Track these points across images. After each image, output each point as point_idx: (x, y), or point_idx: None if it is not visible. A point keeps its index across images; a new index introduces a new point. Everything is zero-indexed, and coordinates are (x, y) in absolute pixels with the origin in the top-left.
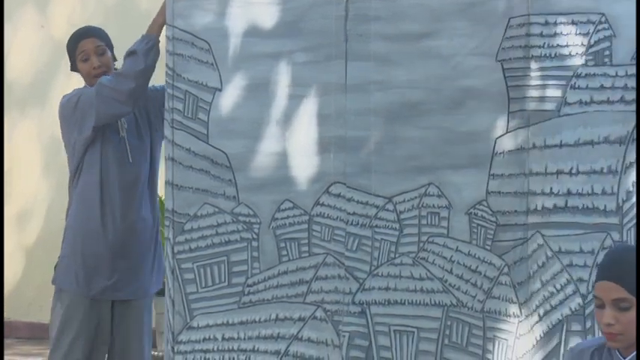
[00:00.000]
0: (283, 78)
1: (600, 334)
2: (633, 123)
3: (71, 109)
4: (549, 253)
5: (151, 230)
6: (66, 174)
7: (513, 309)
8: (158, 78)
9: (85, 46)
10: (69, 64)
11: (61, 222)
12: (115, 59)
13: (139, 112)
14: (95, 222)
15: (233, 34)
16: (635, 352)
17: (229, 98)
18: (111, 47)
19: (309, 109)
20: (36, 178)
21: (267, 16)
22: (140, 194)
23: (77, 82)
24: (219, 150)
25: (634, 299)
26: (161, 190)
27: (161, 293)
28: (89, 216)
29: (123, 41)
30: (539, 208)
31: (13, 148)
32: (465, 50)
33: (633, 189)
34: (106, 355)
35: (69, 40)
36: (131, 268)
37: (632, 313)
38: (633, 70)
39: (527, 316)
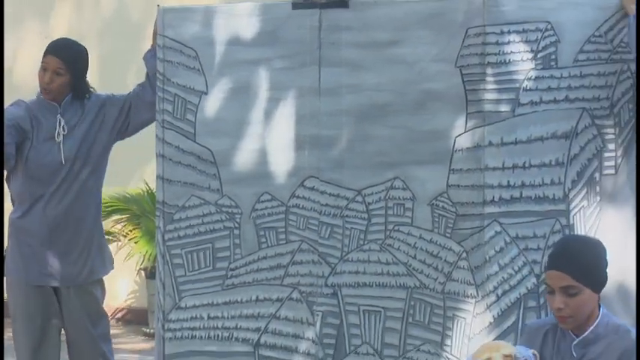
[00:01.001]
0: (263, 82)
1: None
2: (576, 119)
3: None
4: (507, 239)
5: (81, 224)
6: None
7: (471, 290)
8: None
9: (47, 62)
10: None
11: None
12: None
13: (94, 119)
14: (27, 216)
15: (217, 42)
16: (587, 333)
17: (214, 101)
18: (77, 70)
19: (286, 110)
20: None
21: (248, 27)
22: (73, 194)
23: None
24: (205, 147)
25: (581, 285)
26: (152, 184)
27: (152, 276)
28: (22, 211)
29: (117, 47)
30: (496, 199)
31: None
32: (428, 57)
33: (578, 178)
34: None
35: (48, 45)
36: (57, 258)
37: (581, 297)
38: (575, 71)
39: (483, 297)
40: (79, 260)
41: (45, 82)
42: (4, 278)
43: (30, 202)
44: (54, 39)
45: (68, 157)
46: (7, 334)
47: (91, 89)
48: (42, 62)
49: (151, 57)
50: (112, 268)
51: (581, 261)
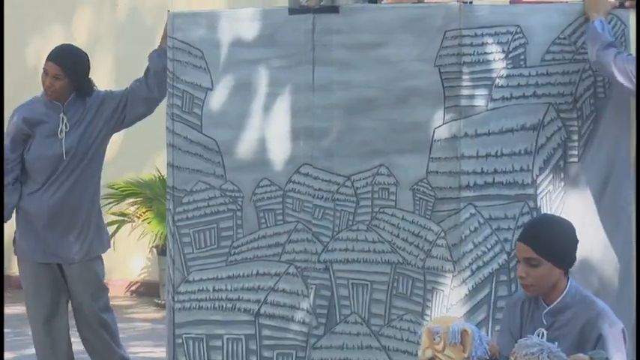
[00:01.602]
0: (262, 79)
1: None
2: (543, 113)
3: None
4: (481, 220)
5: (79, 209)
6: None
7: (448, 266)
8: None
9: (48, 67)
10: (92, 69)
11: None
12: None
13: (95, 115)
14: (28, 201)
15: (222, 44)
16: (556, 303)
17: (218, 96)
18: (76, 73)
19: (283, 104)
20: None
21: (249, 30)
22: (70, 183)
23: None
24: (211, 138)
25: (541, 258)
26: (164, 171)
27: (163, 253)
28: (25, 198)
29: (131, 48)
30: (471, 184)
31: None
32: (410, 57)
33: (544, 166)
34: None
35: (52, 50)
36: (58, 239)
37: (541, 269)
38: (542, 70)
39: (459, 272)
40: (77, 240)
41: (46, 85)
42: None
43: (31, 189)
44: (75, 41)
45: (69, 151)
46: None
47: (95, 87)
48: (43, 68)
49: (157, 56)
50: (109, 247)
51: (543, 237)
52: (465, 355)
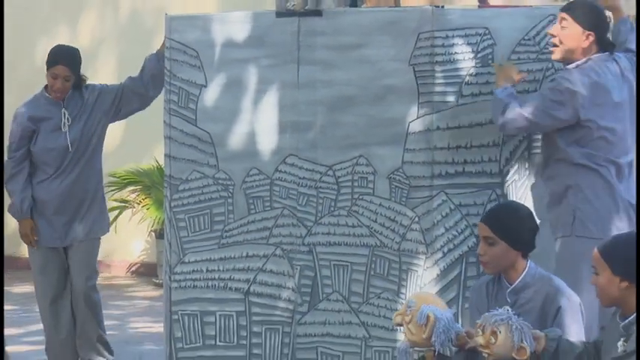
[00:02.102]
0: (252, 77)
1: None
2: None
3: None
4: (452, 206)
5: (85, 194)
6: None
7: (422, 248)
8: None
9: (59, 70)
10: (96, 68)
11: None
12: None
13: (94, 107)
14: (39, 190)
15: (215, 44)
16: (517, 282)
17: (212, 92)
18: (77, 70)
19: (271, 100)
20: None
21: (240, 32)
22: (77, 171)
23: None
24: (205, 131)
25: (497, 238)
26: (161, 161)
27: (161, 237)
28: (35, 187)
29: (132, 49)
30: (443, 173)
31: None
32: (387, 57)
33: (510, 156)
34: None
35: (55, 50)
36: (67, 222)
37: (497, 248)
38: None
39: (432, 254)
40: (81, 223)
41: (58, 88)
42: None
43: (40, 179)
44: (79, 42)
45: (73, 142)
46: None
47: (85, 78)
48: (51, 71)
49: (156, 59)
50: (108, 231)
51: (500, 218)
52: (424, 337)
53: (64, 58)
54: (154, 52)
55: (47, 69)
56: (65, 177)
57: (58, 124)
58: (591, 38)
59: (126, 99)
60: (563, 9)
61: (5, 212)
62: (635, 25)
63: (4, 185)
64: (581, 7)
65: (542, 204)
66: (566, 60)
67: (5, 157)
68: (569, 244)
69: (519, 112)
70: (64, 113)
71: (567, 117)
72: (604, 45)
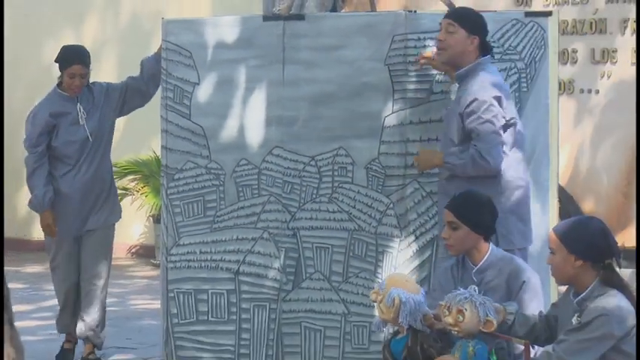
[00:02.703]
0: (241, 76)
1: None
2: None
3: None
4: (424, 194)
5: (103, 184)
6: None
7: (396, 232)
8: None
9: (76, 69)
10: (98, 68)
11: None
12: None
13: (104, 103)
14: (62, 182)
15: (207, 46)
16: (481, 263)
17: (204, 89)
18: (89, 67)
19: (258, 97)
20: None
21: (230, 34)
22: (96, 162)
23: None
24: (198, 124)
25: (460, 223)
26: (159, 152)
27: (158, 221)
28: (58, 179)
29: (131, 50)
30: (416, 164)
31: None
32: (364, 57)
33: None
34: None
35: (67, 51)
36: (87, 211)
37: (460, 232)
38: None
39: (405, 237)
40: (100, 210)
41: (77, 85)
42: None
43: (63, 172)
44: (83, 43)
45: (92, 133)
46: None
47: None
48: (68, 71)
49: (154, 60)
50: (121, 217)
51: (462, 205)
52: (392, 316)
53: (79, 58)
54: (152, 53)
55: (63, 69)
56: (86, 169)
57: (76, 118)
58: (476, 42)
59: (130, 96)
60: (448, 16)
61: (5, 212)
62: None
63: (26, 180)
64: (466, 14)
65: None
66: (453, 62)
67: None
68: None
69: (490, 148)
70: (80, 108)
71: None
72: (485, 48)
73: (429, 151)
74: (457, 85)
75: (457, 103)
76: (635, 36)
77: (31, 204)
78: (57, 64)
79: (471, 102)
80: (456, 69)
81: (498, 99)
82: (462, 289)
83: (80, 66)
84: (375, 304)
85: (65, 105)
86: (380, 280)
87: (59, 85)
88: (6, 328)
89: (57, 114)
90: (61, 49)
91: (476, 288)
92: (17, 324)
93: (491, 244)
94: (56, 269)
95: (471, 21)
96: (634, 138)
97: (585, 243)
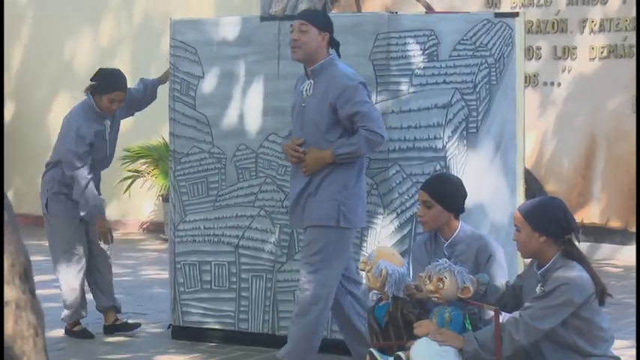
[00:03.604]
0: (241, 70)
1: None
2: (451, 95)
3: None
4: (404, 176)
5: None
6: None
7: (379, 210)
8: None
9: (117, 95)
10: (113, 64)
11: None
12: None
13: (118, 115)
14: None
15: (211, 43)
16: (452, 238)
17: (208, 82)
18: (126, 91)
19: (256, 89)
20: None
21: (231, 33)
22: (106, 164)
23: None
24: (202, 113)
25: (433, 201)
26: (167, 138)
27: (166, 200)
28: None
29: (144, 47)
30: (397, 149)
31: None
32: (351, 54)
33: (452, 135)
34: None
35: (109, 77)
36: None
37: (433, 210)
38: (450, 63)
39: (388, 214)
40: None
41: (114, 109)
42: (47, 218)
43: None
44: (100, 41)
45: (110, 148)
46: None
47: None
48: (109, 95)
49: (157, 82)
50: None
51: (436, 186)
52: (378, 285)
53: (121, 85)
54: (156, 77)
55: (103, 92)
56: (98, 174)
57: (104, 134)
58: (326, 38)
59: (134, 106)
60: (300, 17)
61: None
62: None
63: (81, 192)
64: (315, 13)
65: (477, 173)
66: (307, 59)
67: (70, 169)
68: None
69: (376, 124)
70: (107, 124)
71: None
72: (333, 44)
73: (314, 151)
74: (312, 80)
75: (322, 96)
76: (593, 35)
77: (90, 213)
78: (97, 84)
79: (343, 91)
80: (310, 65)
81: (363, 84)
82: (438, 260)
83: (120, 93)
84: (364, 272)
85: (100, 122)
86: (365, 253)
87: (93, 99)
88: (28, 297)
89: (97, 132)
90: (101, 73)
91: (446, 260)
92: (39, 292)
93: (461, 221)
94: (69, 254)
95: (320, 19)
96: (592, 126)
97: (548, 221)
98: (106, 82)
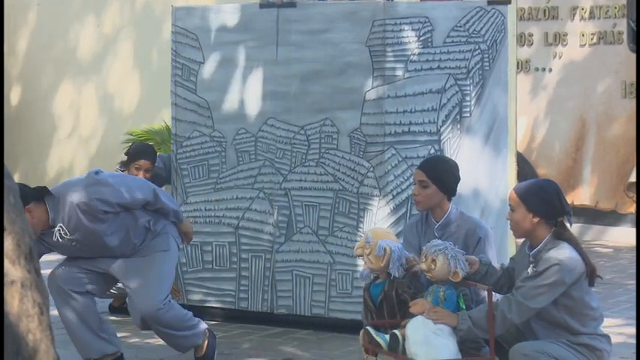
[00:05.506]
0: (240, 56)
1: None
2: (445, 80)
3: None
4: (400, 159)
5: None
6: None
7: (376, 192)
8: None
9: (143, 164)
10: (116, 50)
11: None
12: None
13: None
14: None
15: (211, 29)
16: (443, 219)
17: (208, 68)
18: (155, 161)
19: (255, 74)
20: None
21: (231, 20)
22: None
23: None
24: (203, 98)
25: (429, 182)
26: (169, 122)
27: (169, 182)
28: None
29: (145, 33)
30: (392, 132)
31: (82, 105)
32: (347, 40)
33: (446, 119)
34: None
35: (138, 149)
36: None
37: (428, 190)
38: (444, 49)
39: (384, 196)
40: None
41: (141, 176)
42: None
43: None
44: (102, 27)
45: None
46: None
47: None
48: (135, 163)
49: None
50: None
51: (433, 166)
52: (382, 265)
53: (144, 154)
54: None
55: (130, 162)
56: None
57: None
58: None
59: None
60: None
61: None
62: None
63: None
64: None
65: (470, 156)
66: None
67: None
68: None
69: None
70: None
71: None
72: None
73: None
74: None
75: None
76: (583, 22)
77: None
78: (128, 157)
79: None
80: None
81: None
82: (437, 238)
83: (146, 161)
84: (364, 256)
85: None
86: (361, 234)
87: (125, 166)
88: (33, 276)
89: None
90: (134, 144)
91: (444, 242)
92: (44, 272)
93: (452, 204)
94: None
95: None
96: (582, 110)
97: (542, 202)
98: (132, 152)
